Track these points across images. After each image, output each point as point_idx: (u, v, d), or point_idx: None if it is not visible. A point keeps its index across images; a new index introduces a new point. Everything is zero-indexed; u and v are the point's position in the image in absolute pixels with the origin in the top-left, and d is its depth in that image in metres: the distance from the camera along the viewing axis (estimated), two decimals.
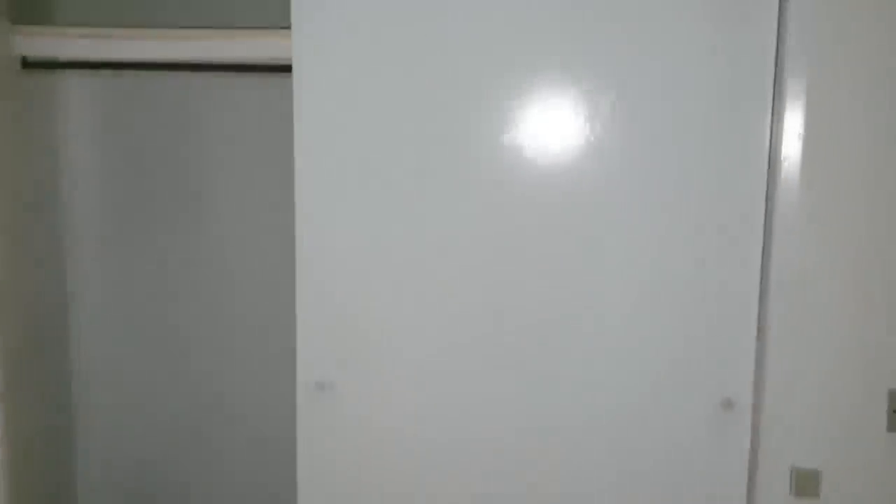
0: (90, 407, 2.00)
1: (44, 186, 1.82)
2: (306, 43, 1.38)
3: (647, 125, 1.36)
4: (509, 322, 1.42)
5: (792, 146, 1.34)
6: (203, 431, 2.02)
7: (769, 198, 1.36)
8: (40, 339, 1.82)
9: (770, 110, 1.34)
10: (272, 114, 1.75)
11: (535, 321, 1.41)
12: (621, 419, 1.42)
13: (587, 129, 1.36)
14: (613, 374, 1.41)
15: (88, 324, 1.97)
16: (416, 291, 1.42)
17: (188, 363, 2.00)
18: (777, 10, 1.31)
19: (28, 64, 1.65)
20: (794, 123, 1.33)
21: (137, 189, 1.93)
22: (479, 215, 1.40)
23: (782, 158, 1.34)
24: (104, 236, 1.94)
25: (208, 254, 1.94)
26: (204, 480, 2.04)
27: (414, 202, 1.40)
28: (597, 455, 1.43)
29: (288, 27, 1.37)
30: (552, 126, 1.37)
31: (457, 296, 1.42)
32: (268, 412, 1.98)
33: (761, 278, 1.37)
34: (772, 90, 1.34)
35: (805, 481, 1.39)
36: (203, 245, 1.94)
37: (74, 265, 1.93)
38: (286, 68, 1.41)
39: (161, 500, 2.05)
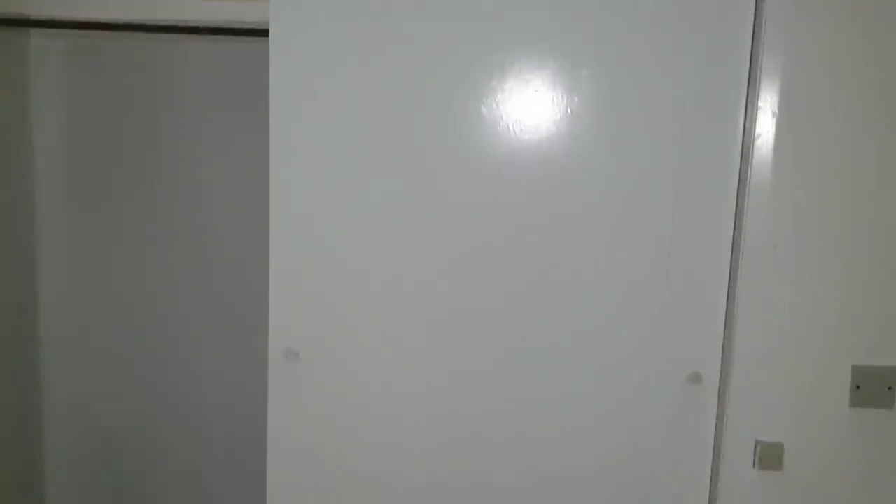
0: (57, 376, 1.98)
1: (12, 145, 1.79)
2: (284, 7, 1.36)
3: (624, 99, 1.36)
4: (481, 293, 1.42)
5: (766, 124, 1.35)
6: (170, 402, 2.01)
7: (742, 175, 1.38)
8: (5, 305, 1.79)
9: (745, 88, 1.35)
10: (248, 79, 1.73)
11: (505, 293, 1.42)
12: (590, 391, 1.43)
13: (565, 103, 1.37)
14: (584, 345, 1.42)
15: (55, 290, 1.95)
16: (388, 261, 1.42)
17: (156, 332, 1.99)
18: None
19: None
20: (768, 102, 1.35)
21: (107, 152, 1.91)
22: (454, 188, 1.39)
23: (756, 136, 1.36)
24: (71, 200, 1.92)
25: (180, 221, 1.92)
26: (171, 450, 2.03)
27: (389, 172, 1.39)
28: (565, 426, 1.45)
29: None
30: (531, 99, 1.37)
31: (430, 268, 1.42)
32: (238, 385, 1.97)
33: (731, 254, 1.39)
34: (748, 68, 1.35)
35: (768, 454, 1.41)
36: (174, 211, 1.92)
37: (41, 227, 1.91)
38: (265, 32, 1.40)
39: (126, 470, 2.04)
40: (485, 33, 1.35)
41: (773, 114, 1.34)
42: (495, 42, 1.35)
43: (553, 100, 1.36)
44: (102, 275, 1.96)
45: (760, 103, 1.34)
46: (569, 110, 1.36)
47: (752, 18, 1.33)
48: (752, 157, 1.36)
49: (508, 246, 1.40)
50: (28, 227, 1.89)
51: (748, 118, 1.36)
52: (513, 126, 1.37)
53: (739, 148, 1.36)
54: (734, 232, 1.38)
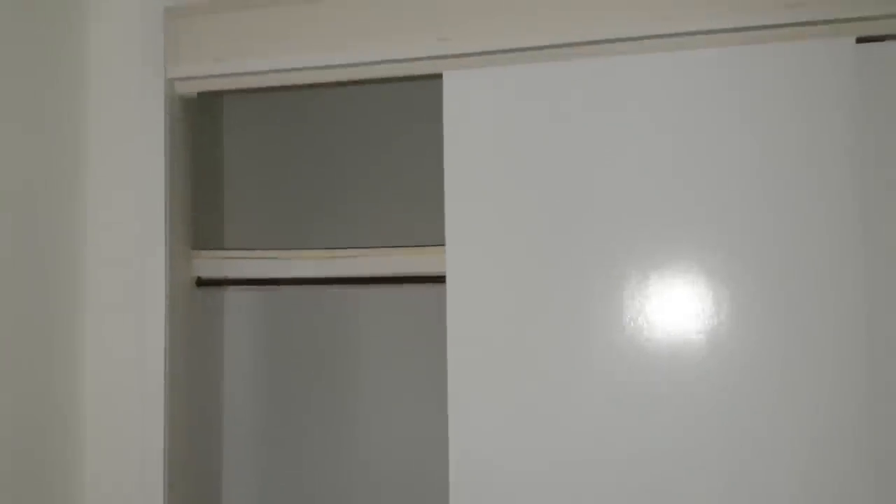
0: None
1: (207, 384, 1.96)
2: (458, 258, 1.50)
3: (780, 317, 1.34)
4: None
5: None
6: None
7: None
8: None
9: None
10: (423, 318, 1.85)
11: None
12: None
13: (720, 314, 1.37)
14: None
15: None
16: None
17: None
18: None
19: (201, 282, 1.83)
20: None
21: (289, 390, 2.05)
22: (611, 401, 1.41)
23: None
24: (255, 429, 2.05)
25: (356, 453, 1.99)
26: None
27: (554, 397, 1.44)
28: None
29: (441, 244, 1.50)
30: (680, 307, 1.39)
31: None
32: None
33: None
34: None
35: None
36: (352, 442, 2.00)
37: (226, 455, 2.04)
38: (438, 278, 1.52)
39: None
40: (640, 257, 1.41)
41: None
42: (646, 265, 1.41)
43: (703, 310, 1.38)
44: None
45: None
46: (741, 321, 1.37)
47: None
48: None
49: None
50: (217, 456, 2.01)
51: None
52: (664, 334, 1.39)
53: None
54: None
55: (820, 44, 1.34)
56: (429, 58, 1.53)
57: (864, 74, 1.34)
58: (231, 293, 2.05)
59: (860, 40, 1.34)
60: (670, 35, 1.41)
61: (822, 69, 1.34)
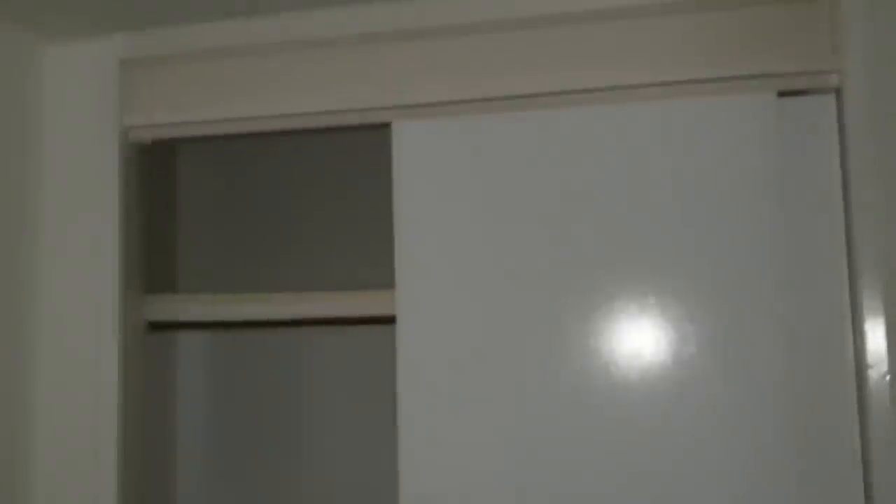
0: None
1: (160, 423, 1.96)
2: (409, 299, 1.54)
3: (726, 344, 1.41)
4: None
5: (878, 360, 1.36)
6: None
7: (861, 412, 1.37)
8: None
9: (850, 329, 1.39)
10: (374, 359, 1.88)
11: None
12: None
13: (671, 340, 1.43)
14: None
15: None
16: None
17: None
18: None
19: (155, 326, 1.84)
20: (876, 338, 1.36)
21: (241, 429, 2.06)
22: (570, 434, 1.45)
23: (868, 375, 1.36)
24: (209, 471, 2.05)
25: (309, 494, 2.00)
26: None
27: (507, 430, 1.48)
28: None
29: (392, 287, 1.54)
30: (629, 343, 1.45)
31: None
32: None
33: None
34: (850, 312, 1.40)
35: None
36: (305, 484, 2.01)
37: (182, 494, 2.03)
38: (388, 319, 1.56)
39: None
40: (589, 292, 1.47)
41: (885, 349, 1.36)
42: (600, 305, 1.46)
43: (658, 336, 1.43)
44: None
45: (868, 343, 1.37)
46: (675, 347, 1.43)
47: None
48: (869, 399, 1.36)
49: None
50: (172, 499, 2.01)
51: (858, 355, 1.38)
52: (621, 369, 1.44)
53: (854, 388, 1.38)
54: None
55: (743, 98, 1.43)
56: (377, 108, 1.58)
57: (784, 127, 1.43)
58: (183, 336, 2.06)
59: (781, 94, 1.44)
60: (601, 89, 1.49)
61: (744, 122, 1.43)
